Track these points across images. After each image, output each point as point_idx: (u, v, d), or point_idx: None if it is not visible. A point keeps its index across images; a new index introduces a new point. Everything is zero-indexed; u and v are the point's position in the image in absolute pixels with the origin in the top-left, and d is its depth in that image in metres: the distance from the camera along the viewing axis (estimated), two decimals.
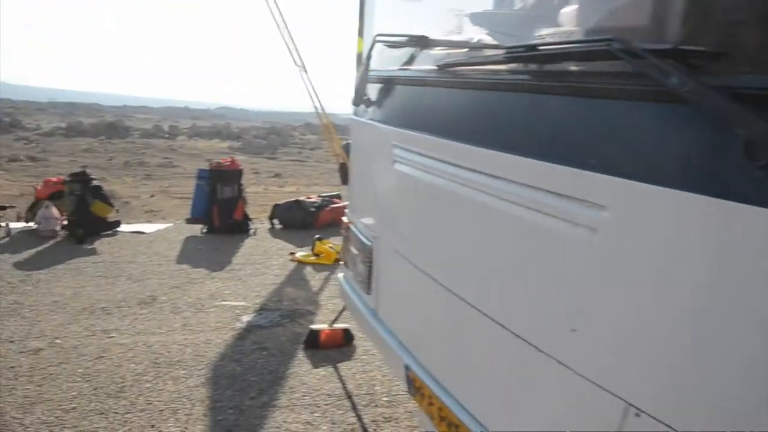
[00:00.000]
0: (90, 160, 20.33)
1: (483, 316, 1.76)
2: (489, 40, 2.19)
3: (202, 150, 27.35)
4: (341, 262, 3.48)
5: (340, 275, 3.45)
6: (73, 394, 3.49)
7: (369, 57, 2.65)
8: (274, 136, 33.46)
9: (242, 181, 7.59)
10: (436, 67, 2.09)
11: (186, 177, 19.70)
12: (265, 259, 6.39)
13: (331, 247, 6.43)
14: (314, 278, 5.80)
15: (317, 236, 6.56)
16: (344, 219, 3.40)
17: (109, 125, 30.79)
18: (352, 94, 3.02)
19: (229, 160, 7.60)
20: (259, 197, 14.08)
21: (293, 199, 8.10)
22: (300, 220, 7.75)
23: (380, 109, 2.78)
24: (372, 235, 2.88)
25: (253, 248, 6.81)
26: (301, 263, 6.26)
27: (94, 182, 6.98)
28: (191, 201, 7.66)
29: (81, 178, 6.84)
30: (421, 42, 2.28)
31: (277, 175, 20.94)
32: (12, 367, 3.75)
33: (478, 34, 2.29)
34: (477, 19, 2.34)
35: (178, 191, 15.64)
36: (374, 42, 2.59)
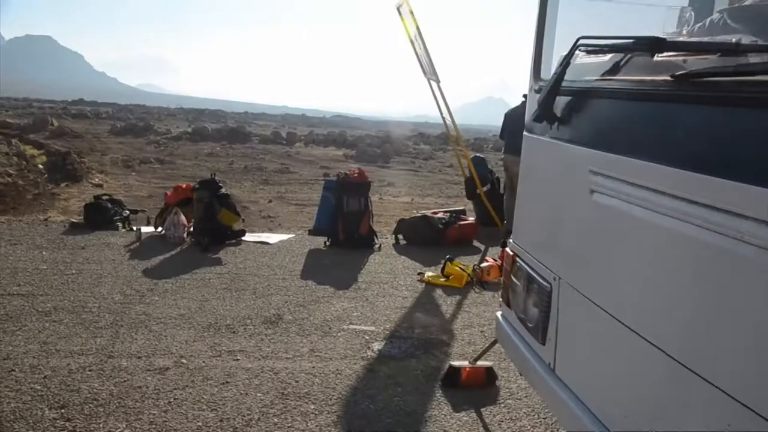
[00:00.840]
0: (212, 164, 21.00)
1: (713, 389, 1.39)
2: (750, 41, 1.63)
3: (317, 157, 27.75)
4: (500, 300, 3.00)
5: (499, 314, 2.98)
6: (198, 424, 3.20)
7: (566, 65, 2.15)
8: (388, 145, 33.50)
9: (370, 194, 7.27)
10: (669, 78, 1.58)
11: (301, 183, 19.95)
12: (392, 278, 6.01)
13: (461, 269, 5.95)
14: (445, 303, 5.34)
15: (448, 257, 6.11)
16: (507, 250, 2.92)
17: (231, 131, 31.95)
18: (532, 107, 2.55)
19: (357, 171, 7.30)
20: (375, 207, 13.87)
21: (419, 214, 7.70)
22: (427, 237, 7.33)
23: (572, 127, 2.28)
24: (552, 276, 2.37)
25: (378, 265, 6.45)
26: (430, 284, 5.83)
27: (222, 190, 6.87)
28: (315, 211, 7.46)
29: (210, 186, 6.76)
30: (653, 45, 1.74)
31: (390, 185, 20.74)
32: (139, 387, 3.53)
33: (728, 34, 1.73)
34: (738, 14, 1.78)
35: (294, 197, 15.75)
36: (576, 47, 2.09)
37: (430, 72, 8.31)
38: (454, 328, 4.73)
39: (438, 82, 8.27)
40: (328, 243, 7.11)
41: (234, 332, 4.41)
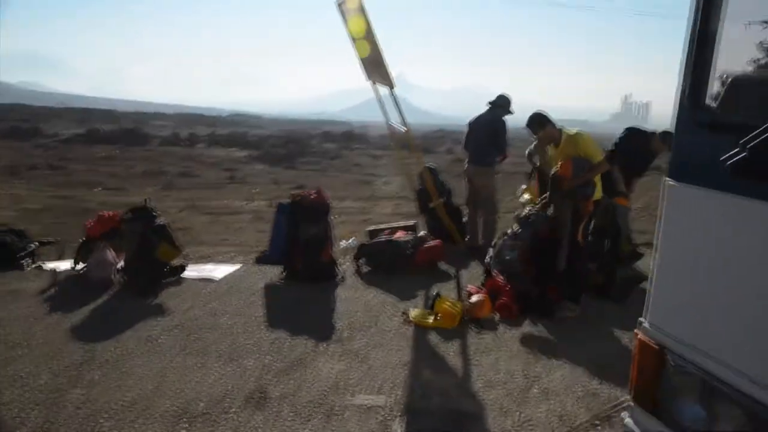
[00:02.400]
0: (109, 169, 19.22)
1: None
2: None
3: (221, 159, 26.26)
4: (631, 398, 2.27)
5: (626, 418, 2.26)
6: None
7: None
8: (293, 145, 32.39)
9: (330, 218, 6.35)
10: None
11: (208, 188, 18.60)
12: (372, 319, 5.15)
13: (451, 305, 5.19)
14: (447, 352, 4.55)
15: (436, 293, 5.33)
16: (642, 336, 2.18)
17: (127, 132, 29.72)
18: (687, 146, 1.82)
19: (315, 192, 6.35)
20: None
21: (385, 238, 6.85)
22: (394, 263, 6.51)
23: None
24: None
25: (350, 302, 5.57)
26: (419, 326, 5.03)
27: (159, 219, 5.72)
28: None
29: (143, 216, 5.59)
30: None
31: (300, 187, 19.76)
32: None
33: None
34: None
35: (206, 206, 14.49)
36: None
37: (382, 76, 7.47)
38: (476, 391, 3.95)
39: (392, 87, 7.44)
40: (283, 275, 6.15)
41: (214, 422, 3.42)
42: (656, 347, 2.08)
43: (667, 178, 2.09)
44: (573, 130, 5.53)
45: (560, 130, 5.52)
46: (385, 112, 8.53)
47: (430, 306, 5.22)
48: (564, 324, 5.23)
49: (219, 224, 11.39)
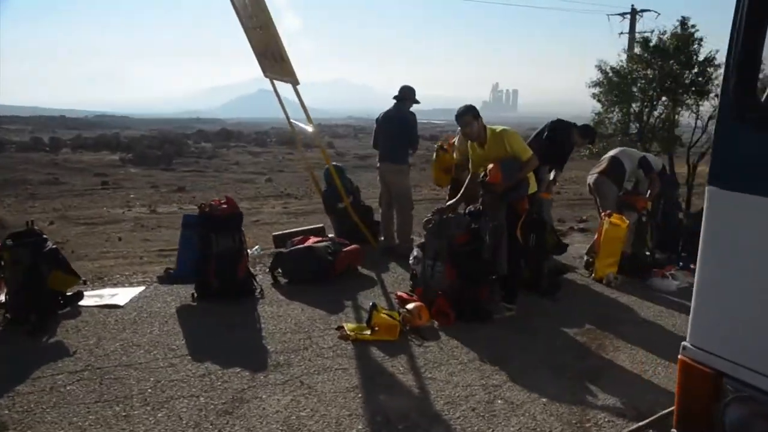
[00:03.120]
0: None
1: None
2: None
3: (89, 164, 24.48)
4: (675, 429, 2.06)
5: None
6: None
7: None
8: (168, 146, 30.79)
9: (243, 228, 5.82)
10: None
11: (76, 195, 17.15)
12: (305, 338, 4.74)
13: (388, 316, 4.89)
14: (395, 368, 4.24)
15: (372, 303, 4.99)
16: (686, 359, 1.99)
17: None
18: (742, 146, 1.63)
19: (225, 201, 5.79)
20: (171, 218, 12.05)
21: (304, 245, 6.39)
22: (314, 272, 6.11)
23: None
24: None
25: (277, 320, 5.12)
26: (358, 341, 4.68)
27: (49, 244, 4.94)
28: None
29: (29, 241, 4.80)
30: None
31: (180, 189, 18.76)
32: None
33: None
34: None
35: (80, 215, 13.39)
36: None
37: (284, 72, 7.00)
38: (439, 411, 3.66)
39: (296, 83, 6.99)
40: (195, 295, 5.57)
41: None
42: (710, 372, 1.88)
43: (710, 186, 1.89)
44: (498, 128, 5.36)
45: (485, 128, 5.34)
46: (285, 110, 8.08)
47: (368, 318, 4.88)
48: (504, 325, 5.09)
49: (96, 235, 10.41)
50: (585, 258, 6.86)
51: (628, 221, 6.37)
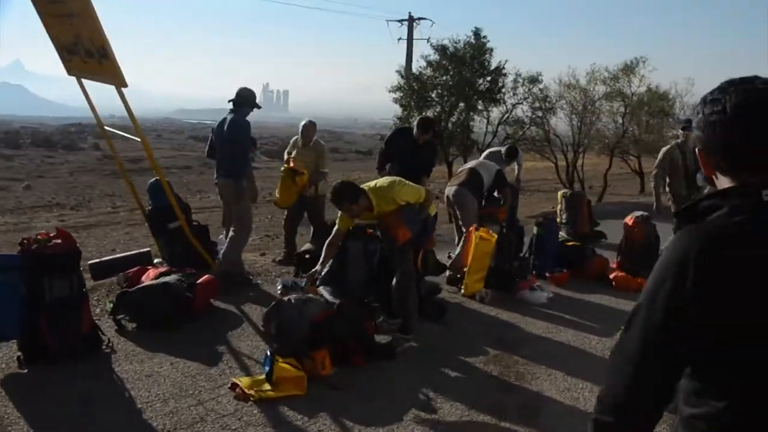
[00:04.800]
0: None
1: None
2: None
3: None
4: None
5: None
6: None
7: None
8: None
9: (82, 268, 4.64)
10: None
11: None
12: (197, 405, 3.84)
13: (292, 366, 4.20)
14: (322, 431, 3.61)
15: (269, 353, 4.23)
16: None
17: None
18: None
19: (57, 234, 4.54)
20: None
21: (149, 279, 5.31)
22: (170, 311, 5.10)
23: None
24: None
25: (147, 383, 4.11)
26: (264, 401, 3.93)
27: None
28: None
29: None
30: None
31: None
32: None
33: None
34: None
35: None
36: None
37: (107, 72, 5.78)
38: None
39: (122, 86, 5.81)
40: (23, 359, 4.29)
41: None
42: None
43: None
44: (378, 184, 4.86)
45: (368, 197, 4.80)
46: (96, 113, 6.81)
47: (268, 373, 4.12)
48: (410, 360, 4.68)
49: None
50: (447, 274, 6.71)
51: (495, 234, 6.35)
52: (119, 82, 5.81)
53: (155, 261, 6.99)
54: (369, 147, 43.70)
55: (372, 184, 4.88)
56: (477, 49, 14.59)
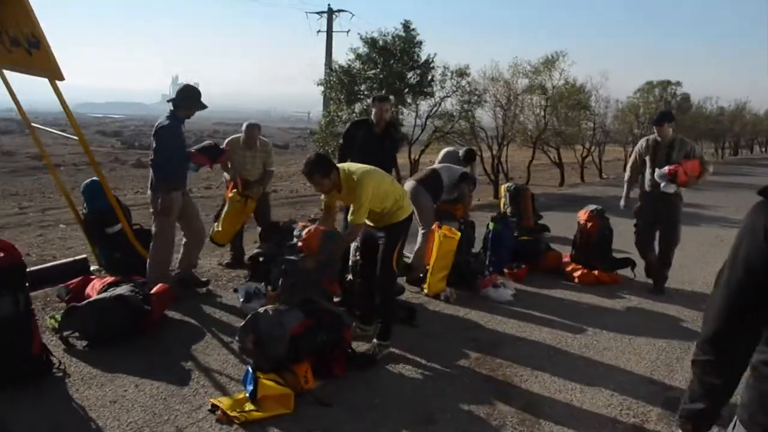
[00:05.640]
0: None
1: None
2: None
3: None
4: None
5: None
6: None
7: None
8: None
9: (27, 284, 4.11)
10: None
11: None
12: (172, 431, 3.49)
13: (273, 381, 3.88)
14: None
15: (252, 368, 3.89)
16: None
17: None
18: None
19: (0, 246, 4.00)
20: None
21: (108, 292, 4.80)
22: (126, 328, 4.64)
23: None
24: None
25: (114, 410, 3.68)
26: (248, 422, 3.61)
27: None
28: None
29: None
30: None
31: None
32: None
33: None
34: None
35: None
36: None
37: (39, 64, 5.20)
38: None
39: (57, 79, 5.25)
40: None
41: None
42: None
43: None
44: (355, 174, 4.51)
45: (339, 175, 4.52)
46: (21, 110, 6.19)
47: (252, 391, 3.79)
48: (391, 369, 4.47)
49: None
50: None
51: (459, 233, 6.22)
52: (54, 74, 5.24)
53: (92, 269, 6.45)
54: (285, 141, 42.90)
55: (354, 168, 4.59)
56: (407, 41, 14.46)
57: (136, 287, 4.99)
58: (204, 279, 6.26)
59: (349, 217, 4.68)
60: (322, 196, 4.85)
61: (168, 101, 5.85)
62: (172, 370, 4.24)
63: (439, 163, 7.34)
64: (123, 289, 4.86)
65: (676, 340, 5.16)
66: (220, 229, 6.56)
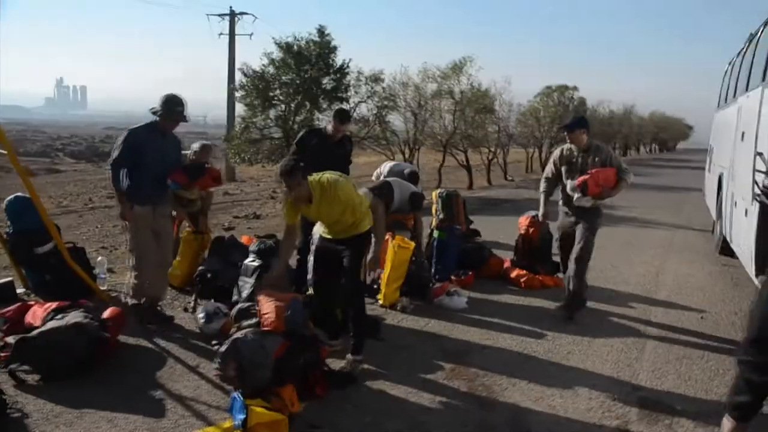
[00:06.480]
0: None
1: None
2: None
3: None
4: None
5: None
6: None
7: None
8: None
9: None
10: None
11: None
12: None
13: (265, 408, 3.72)
14: None
15: (240, 395, 3.69)
16: None
17: None
18: None
19: None
20: None
21: (62, 320, 4.40)
22: (83, 358, 4.29)
23: None
24: None
25: None
26: None
27: None
28: None
29: None
30: None
31: None
32: None
33: None
34: None
35: None
36: None
37: None
38: None
39: None
40: None
41: None
42: None
43: None
44: (324, 179, 4.45)
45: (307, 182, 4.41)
46: None
47: (243, 421, 3.60)
48: (370, 381, 4.42)
49: None
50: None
51: (412, 242, 6.23)
52: None
53: (18, 291, 5.94)
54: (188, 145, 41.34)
55: (317, 176, 4.48)
56: (322, 47, 14.37)
57: (88, 312, 4.63)
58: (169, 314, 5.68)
59: (355, 221, 4.60)
60: (284, 213, 4.71)
61: (150, 111, 5.33)
62: (143, 401, 3.97)
63: (386, 176, 7.33)
64: (75, 316, 4.49)
65: (629, 339, 5.41)
66: (178, 272, 6.25)
